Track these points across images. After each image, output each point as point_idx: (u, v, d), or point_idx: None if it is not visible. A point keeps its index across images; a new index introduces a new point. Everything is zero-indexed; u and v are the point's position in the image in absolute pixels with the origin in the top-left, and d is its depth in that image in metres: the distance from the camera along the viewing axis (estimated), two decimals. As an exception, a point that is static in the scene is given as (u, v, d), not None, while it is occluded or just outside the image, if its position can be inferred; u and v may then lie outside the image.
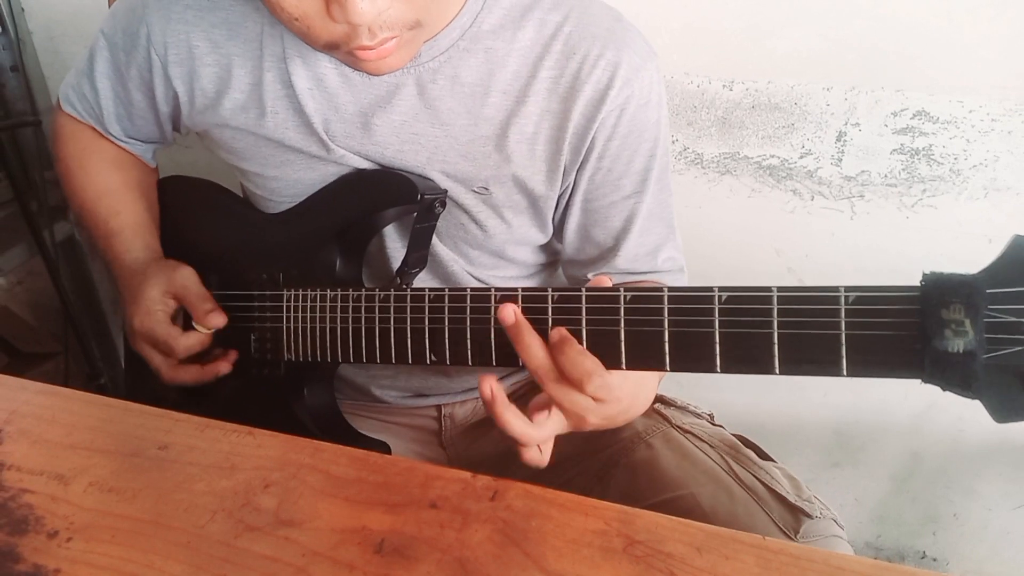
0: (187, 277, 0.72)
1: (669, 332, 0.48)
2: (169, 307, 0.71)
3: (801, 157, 1.05)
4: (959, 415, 1.17)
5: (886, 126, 1.00)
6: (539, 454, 0.54)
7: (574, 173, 0.69)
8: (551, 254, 0.81)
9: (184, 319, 0.73)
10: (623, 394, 0.53)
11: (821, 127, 1.02)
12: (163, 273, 0.72)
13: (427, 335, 0.58)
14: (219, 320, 0.71)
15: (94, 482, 0.49)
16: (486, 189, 0.69)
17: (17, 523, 0.46)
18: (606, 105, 0.65)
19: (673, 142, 1.08)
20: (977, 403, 0.40)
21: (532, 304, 0.53)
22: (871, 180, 1.04)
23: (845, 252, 1.09)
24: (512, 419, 0.51)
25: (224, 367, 0.72)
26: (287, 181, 0.72)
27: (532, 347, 0.51)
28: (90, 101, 0.78)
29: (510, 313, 0.51)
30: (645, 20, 0.70)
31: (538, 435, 0.53)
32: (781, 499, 0.63)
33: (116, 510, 0.47)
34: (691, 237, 1.12)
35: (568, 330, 0.51)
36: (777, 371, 0.45)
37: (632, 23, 0.68)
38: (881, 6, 0.93)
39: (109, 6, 0.89)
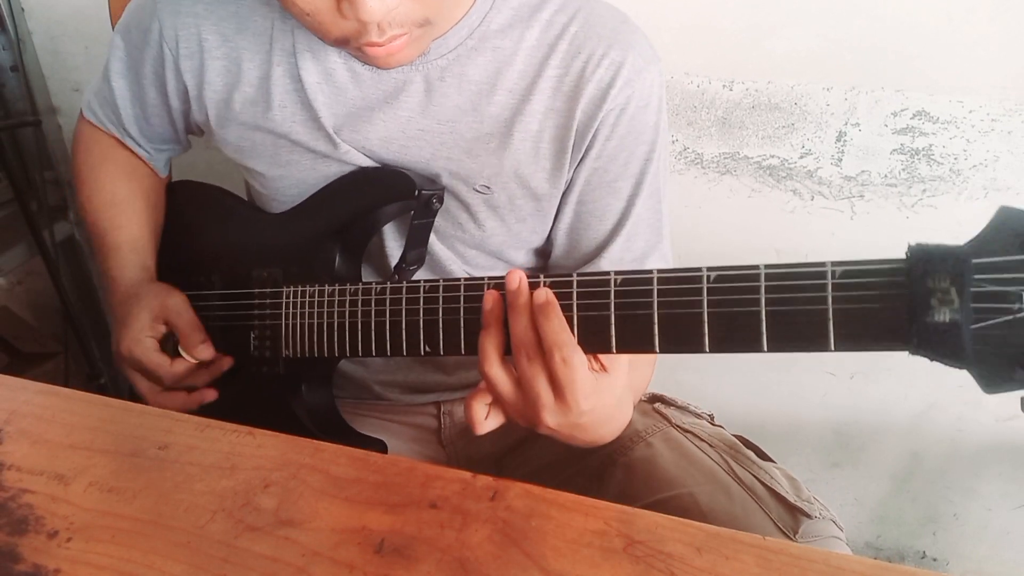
0: (179, 304, 0.72)
1: (658, 314, 0.47)
2: (158, 333, 0.71)
3: (801, 157, 1.05)
4: (959, 415, 1.17)
5: (886, 126, 1.00)
6: (482, 411, 0.54)
7: (573, 171, 0.69)
8: (546, 256, 0.81)
9: (172, 343, 0.73)
10: (587, 406, 0.50)
11: (821, 127, 1.02)
12: (155, 298, 0.72)
13: (422, 326, 0.58)
14: (207, 353, 0.71)
15: (94, 482, 0.49)
16: (488, 188, 0.69)
17: (17, 523, 0.46)
18: (607, 103, 0.65)
19: (673, 142, 1.08)
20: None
21: None
22: (871, 180, 1.04)
23: (845, 252, 1.09)
24: (489, 343, 0.51)
25: (210, 396, 0.72)
26: (291, 180, 0.72)
27: (523, 317, 0.50)
28: (109, 103, 0.79)
29: (515, 279, 0.51)
30: (645, 20, 0.70)
31: (495, 376, 0.52)
32: (780, 499, 0.63)
33: (116, 510, 0.47)
34: (691, 237, 1.12)
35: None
36: (765, 349, 0.44)
37: (638, 26, 0.69)
38: (881, 6, 0.93)
39: (109, 7, 0.89)
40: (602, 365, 0.52)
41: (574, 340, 0.49)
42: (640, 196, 0.69)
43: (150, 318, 0.71)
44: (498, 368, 0.52)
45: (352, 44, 0.58)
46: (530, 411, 0.52)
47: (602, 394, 0.51)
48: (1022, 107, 0.95)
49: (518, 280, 0.51)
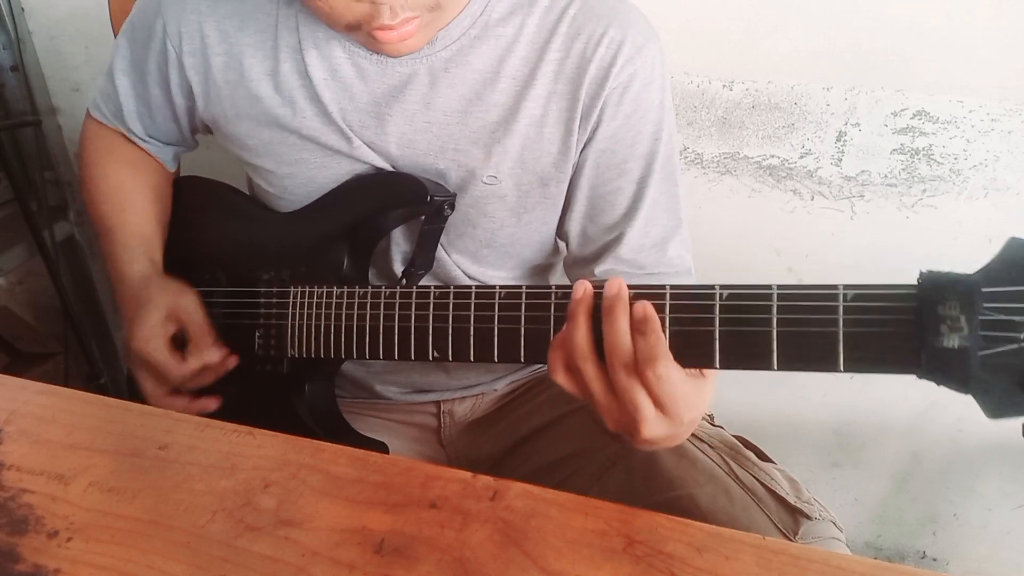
0: (191, 305, 0.72)
1: (670, 330, 0.48)
2: (169, 331, 0.71)
3: (801, 157, 1.05)
4: (959, 415, 1.17)
5: (886, 126, 1.00)
6: (562, 367, 0.50)
7: (579, 154, 0.69)
8: (554, 253, 0.81)
9: (180, 342, 0.73)
10: (689, 417, 0.48)
11: (821, 127, 1.02)
12: (167, 296, 0.72)
13: (431, 332, 0.58)
14: (217, 356, 0.71)
15: (94, 482, 0.49)
16: (495, 178, 0.69)
17: (17, 523, 0.46)
18: (610, 82, 0.66)
19: (673, 142, 1.08)
20: (976, 402, 0.40)
21: (536, 301, 0.53)
22: (871, 180, 1.04)
23: (845, 252, 1.09)
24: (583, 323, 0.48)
25: (212, 405, 0.72)
26: (301, 179, 0.72)
27: (621, 323, 0.47)
28: (113, 101, 0.79)
29: (614, 284, 0.48)
30: (645, 20, 0.70)
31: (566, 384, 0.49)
32: (780, 500, 0.63)
33: (116, 510, 0.47)
34: (691, 237, 1.12)
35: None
36: (775, 368, 0.45)
37: (635, 5, 0.69)
38: (881, 6, 0.93)
39: (109, 6, 0.89)
40: (700, 370, 0.49)
41: (670, 355, 0.46)
42: (653, 178, 0.69)
43: (162, 317, 0.71)
44: (563, 377, 0.49)
45: (364, 29, 0.58)
46: (628, 421, 0.48)
47: (702, 399, 0.49)
48: (1022, 107, 0.95)
49: (617, 287, 0.48)
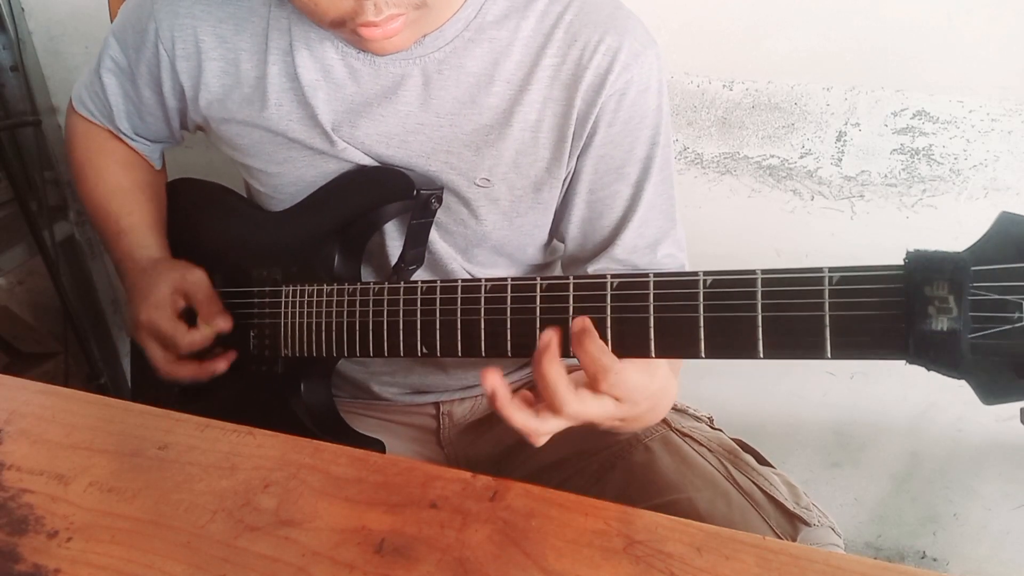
0: (199, 278, 0.73)
1: (654, 318, 0.47)
2: (178, 304, 0.72)
3: (801, 157, 1.05)
4: (959, 415, 1.17)
5: (886, 126, 1.00)
6: (532, 420, 0.52)
7: (575, 159, 0.69)
8: (549, 253, 0.81)
9: (188, 319, 0.73)
10: (641, 397, 0.51)
11: (821, 127, 1.02)
12: (176, 271, 0.73)
13: (419, 327, 0.58)
14: (224, 323, 0.72)
15: (94, 482, 0.49)
16: (488, 181, 0.69)
17: (17, 523, 0.46)
18: (606, 90, 0.66)
19: (673, 142, 1.08)
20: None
21: (520, 293, 0.53)
22: (871, 180, 1.04)
23: (845, 252, 1.09)
24: (516, 413, 0.49)
25: (221, 365, 0.72)
26: (290, 178, 0.72)
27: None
28: (101, 99, 0.79)
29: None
30: (645, 20, 0.70)
31: (543, 428, 0.50)
32: (779, 506, 0.63)
33: (116, 510, 0.47)
34: (691, 237, 1.12)
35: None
36: (761, 355, 0.44)
37: (632, 11, 0.69)
38: (881, 6, 0.93)
39: (109, 6, 0.89)
40: None
41: (613, 358, 0.48)
42: (649, 181, 0.69)
43: (170, 290, 0.72)
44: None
45: (348, 26, 0.58)
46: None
47: (654, 381, 0.52)
48: (1022, 107, 0.95)
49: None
